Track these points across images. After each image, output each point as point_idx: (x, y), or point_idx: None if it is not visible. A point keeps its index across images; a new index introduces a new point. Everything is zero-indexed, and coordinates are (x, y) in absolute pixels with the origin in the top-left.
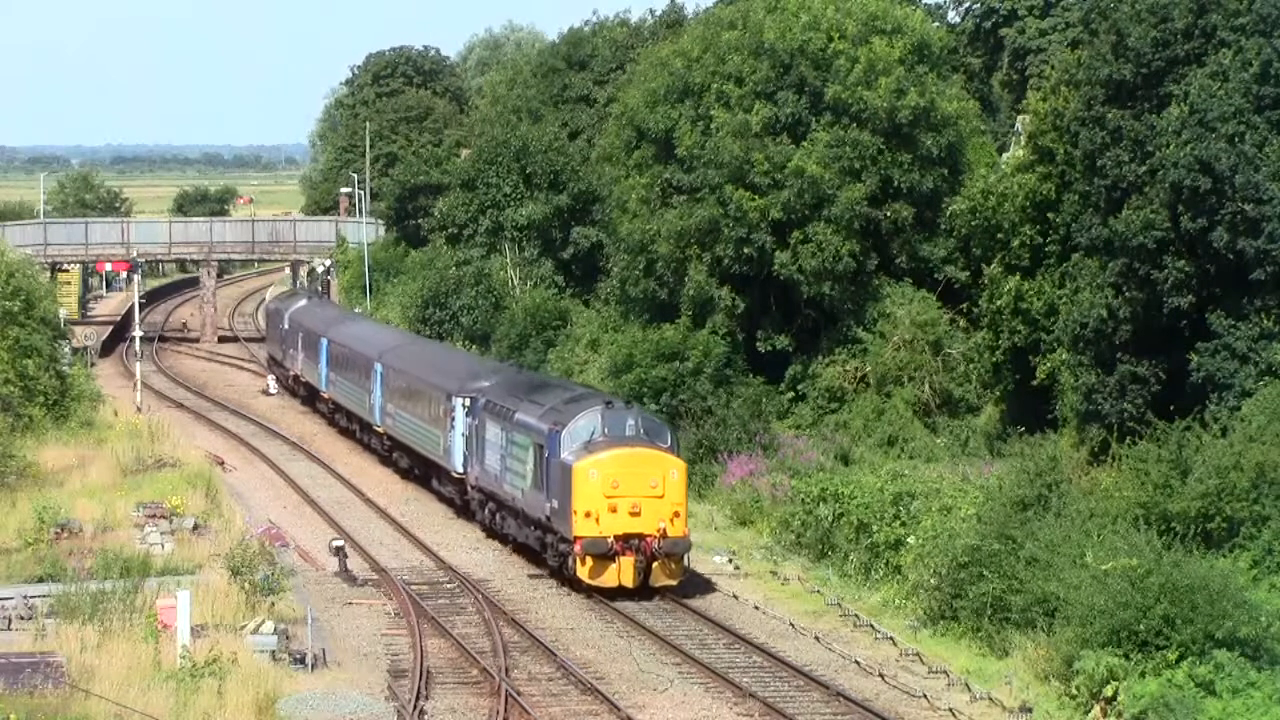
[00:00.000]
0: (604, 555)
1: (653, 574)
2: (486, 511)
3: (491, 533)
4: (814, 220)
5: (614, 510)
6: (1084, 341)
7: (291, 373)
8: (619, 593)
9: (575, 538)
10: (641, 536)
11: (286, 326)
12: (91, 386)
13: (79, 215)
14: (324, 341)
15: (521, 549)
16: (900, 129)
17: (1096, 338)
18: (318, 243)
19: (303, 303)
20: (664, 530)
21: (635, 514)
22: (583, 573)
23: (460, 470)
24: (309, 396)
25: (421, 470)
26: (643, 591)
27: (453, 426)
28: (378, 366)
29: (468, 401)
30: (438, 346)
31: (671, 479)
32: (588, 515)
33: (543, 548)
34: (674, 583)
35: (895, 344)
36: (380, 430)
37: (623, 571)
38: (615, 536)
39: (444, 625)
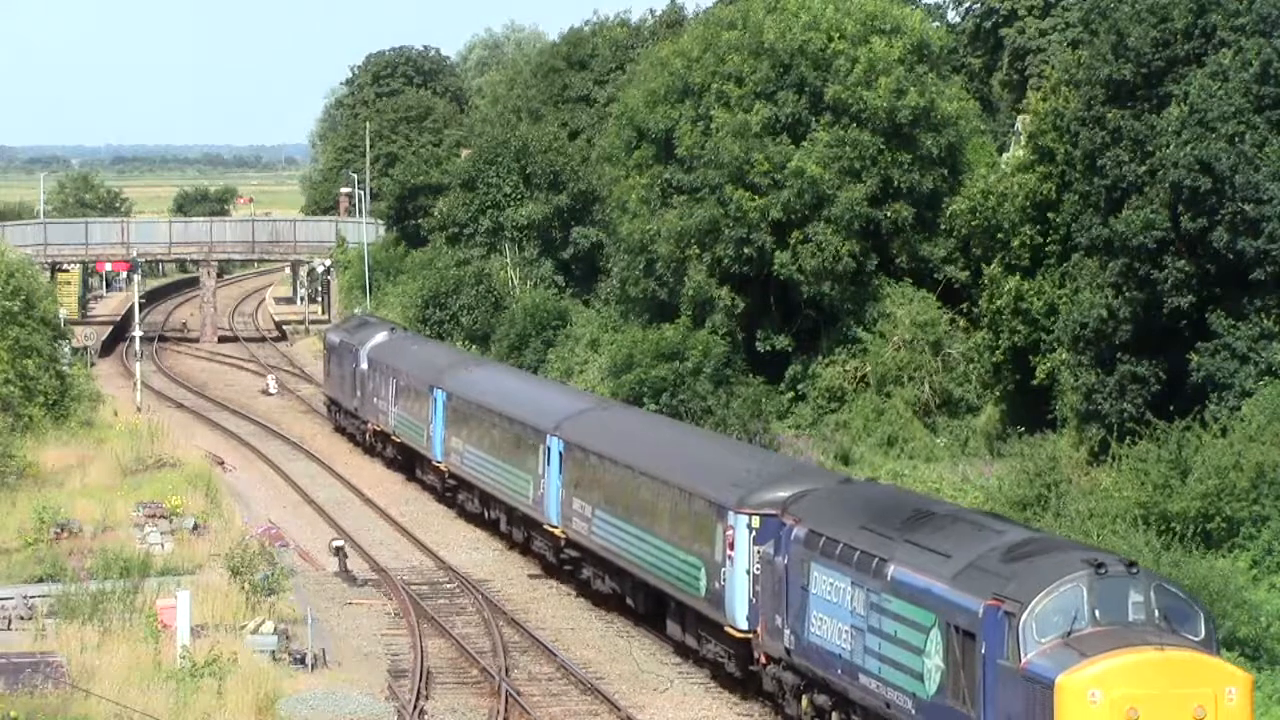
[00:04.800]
0: None
1: None
2: (807, 703)
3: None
4: (814, 220)
5: None
6: (1084, 341)
7: (371, 426)
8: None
9: None
10: None
11: (364, 367)
12: (91, 386)
13: (79, 215)
14: (439, 395)
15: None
16: (900, 129)
17: (1096, 338)
18: (318, 243)
19: (383, 335)
20: None
21: None
22: None
23: (744, 627)
24: (404, 458)
25: (651, 607)
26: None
27: (731, 560)
28: (553, 445)
29: (756, 522)
30: (650, 418)
31: (1227, 705)
32: None
33: None
34: None
35: (895, 344)
36: (561, 533)
37: None
38: None
39: (444, 625)
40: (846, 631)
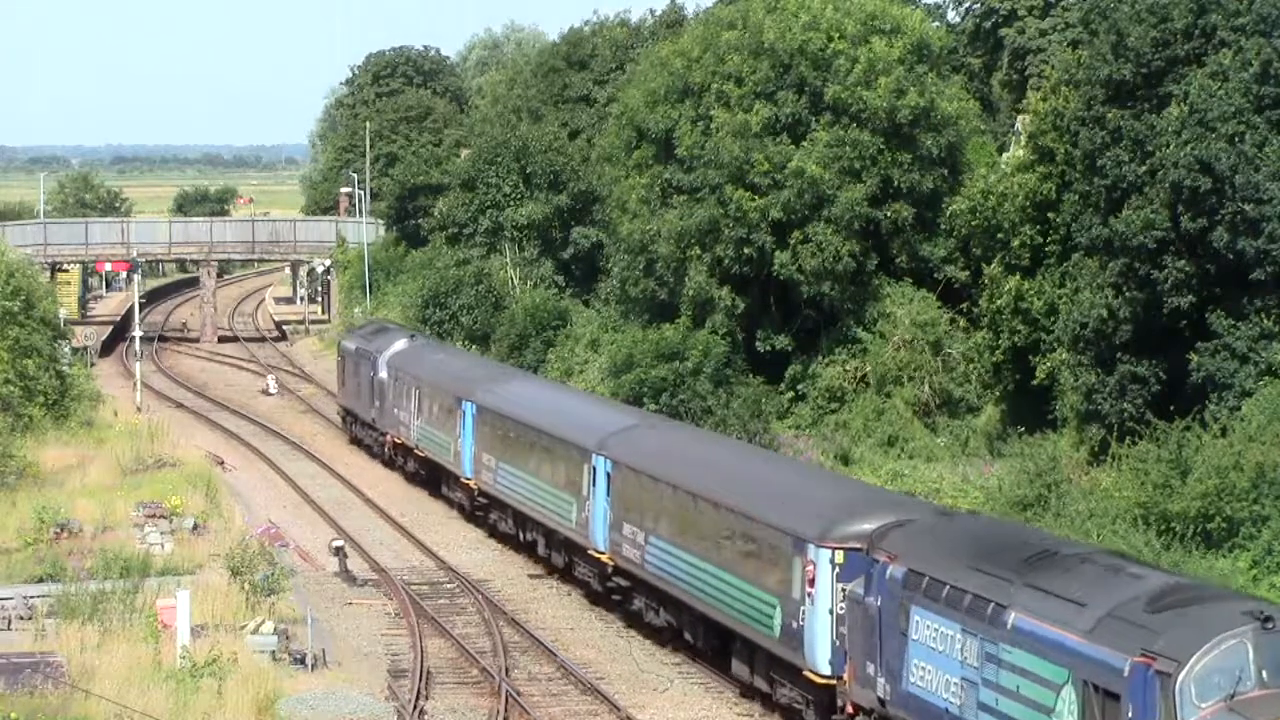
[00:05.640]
0: None
1: None
2: None
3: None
4: (814, 220)
5: None
6: (1084, 341)
7: (391, 438)
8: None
9: None
10: None
11: (382, 376)
12: (91, 386)
13: (79, 215)
14: (468, 408)
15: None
16: (900, 129)
17: (1096, 338)
18: (318, 243)
19: (402, 343)
20: None
21: None
22: None
23: (826, 672)
24: (427, 473)
25: (712, 642)
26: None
27: (811, 599)
28: (599, 464)
29: (840, 557)
30: (706, 437)
31: None
32: None
33: None
34: None
35: (895, 344)
36: (609, 560)
37: None
38: None
39: (444, 625)
40: (955, 684)
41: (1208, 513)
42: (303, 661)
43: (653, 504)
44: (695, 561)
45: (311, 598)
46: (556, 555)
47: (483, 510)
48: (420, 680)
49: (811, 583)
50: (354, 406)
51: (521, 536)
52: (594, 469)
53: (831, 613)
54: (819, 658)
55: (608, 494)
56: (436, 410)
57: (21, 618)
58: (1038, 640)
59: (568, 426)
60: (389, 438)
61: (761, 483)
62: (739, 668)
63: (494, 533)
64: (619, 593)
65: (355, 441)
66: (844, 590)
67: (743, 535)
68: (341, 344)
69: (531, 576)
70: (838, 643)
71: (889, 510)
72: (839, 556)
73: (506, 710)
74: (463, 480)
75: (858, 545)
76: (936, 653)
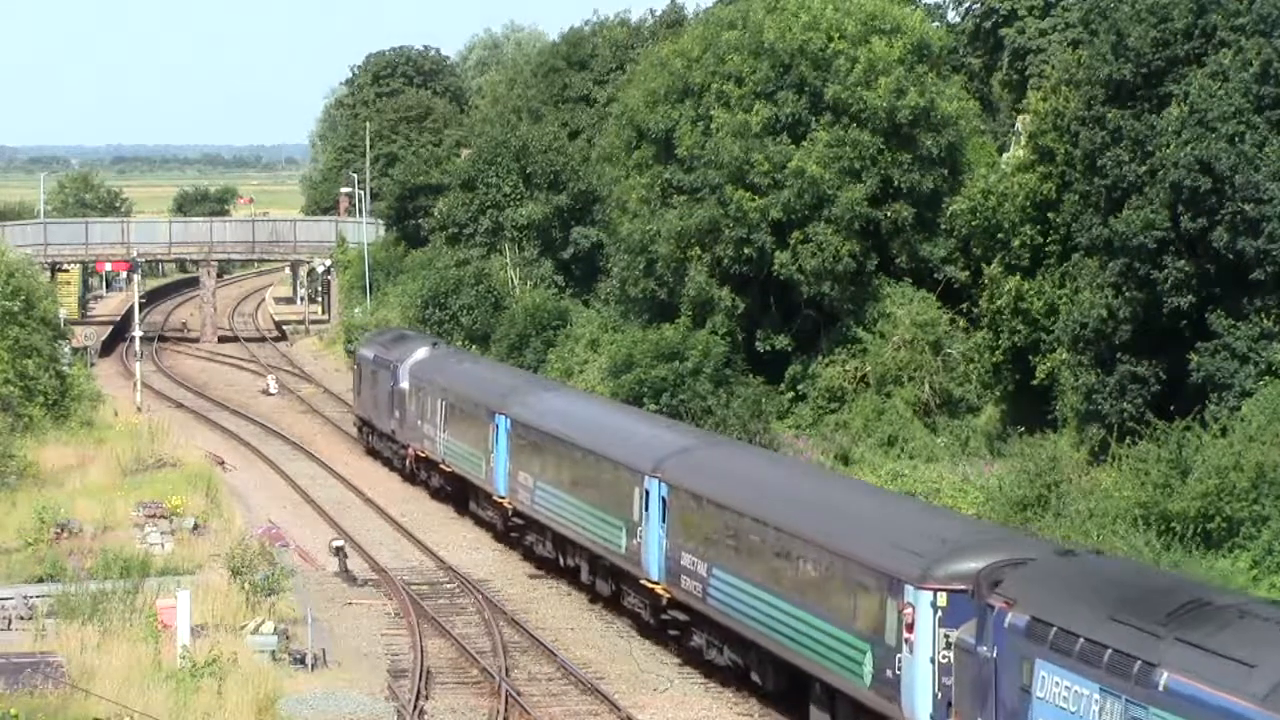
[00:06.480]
0: None
1: None
2: None
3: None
4: (814, 220)
5: None
6: (1084, 341)
7: (413, 451)
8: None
9: None
10: None
11: (403, 385)
12: (91, 386)
13: (79, 215)
14: (502, 422)
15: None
16: (900, 129)
17: (1096, 338)
18: (318, 243)
19: (424, 351)
20: None
21: None
22: None
23: None
24: (453, 489)
25: (785, 684)
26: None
27: (909, 645)
28: (653, 488)
29: (943, 600)
30: (773, 459)
31: None
32: None
33: None
34: None
35: (895, 344)
36: (664, 592)
37: None
38: None
39: (444, 625)
40: None
41: (1208, 513)
42: (303, 661)
43: (717, 533)
44: (768, 598)
45: (311, 598)
46: (602, 583)
47: (518, 531)
48: (420, 680)
49: (910, 628)
50: (371, 417)
51: (562, 561)
52: (647, 492)
53: (933, 661)
54: (918, 710)
55: (663, 520)
56: (466, 423)
57: (21, 618)
58: (1199, 705)
59: (617, 445)
60: (411, 450)
61: (846, 512)
62: (818, 715)
63: (529, 555)
64: (675, 626)
65: (372, 453)
66: (949, 637)
67: (826, 571)
68: (358, 352)
69: (531, 576)
70: (939, 694)
71: (996, 547)
72: (941, 599)
73: (506, 710)
74: (495, 498)
75: (962, 587)
76: (1069, 713)
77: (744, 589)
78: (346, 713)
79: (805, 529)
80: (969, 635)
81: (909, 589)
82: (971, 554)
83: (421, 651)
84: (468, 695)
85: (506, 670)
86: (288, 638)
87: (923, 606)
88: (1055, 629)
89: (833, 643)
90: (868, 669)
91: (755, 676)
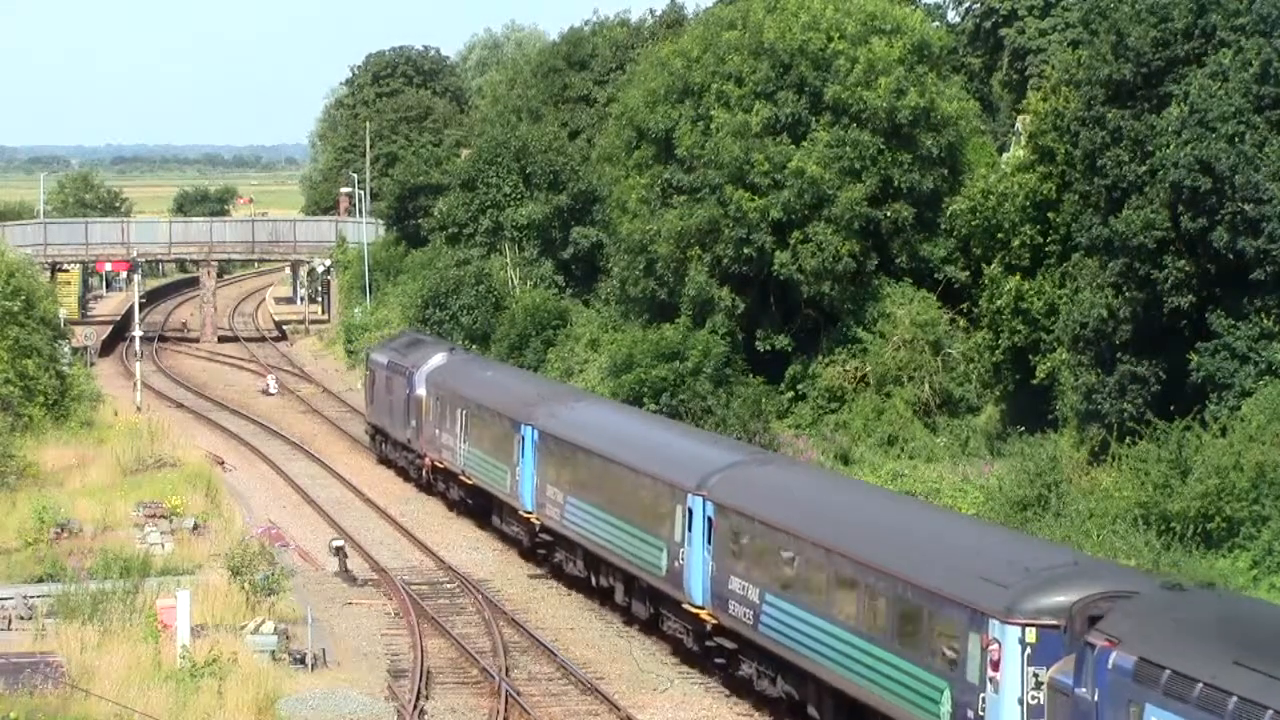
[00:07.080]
0: None
1: None
2: None
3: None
4: (814, 220)
5: None
6: (1084, 341)
7: (430, 461)
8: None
9: None
10: None
11: (419, 393)
12: (91, 386)
13: (79, 215)
14: (529, 433)
15: None
16: (900, 129)
17: (1096, 338)
18: (318, 243)
19: (440, 357)
20: None
21: None
22: None
23: None
24: (475, 501)
25: None
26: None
27: (994, 685)
28: (698, 507)
29: (1032, 636)
30: (828, 478)
31: None
32: None
33: None
34: None
35: (895, 344)
36: (709, 617)
37: None
38: None
39: (444, 625)
40: None
41: (1208, 513)
42: (303, 661)
43: (772, 557)
44: (830, 627)
45: (311, 598)
46: (639, 605)
47: (545, 548)
48: (420, 680)
49: (995, 665)
50: (385, 425)
51: (594, 581)
52: (690, 511)
53: (1021, 703)
54: None
55: (708, 541)
56: (488, 433)
57: (21, 618)
58: None
59: (657, 461)
60: (427, 460)
61: (919, 537)
62: None
63: (557, 573)
64: (722, 654)
65: (385, 461)
66: (1036, 675)
67: (896, 602)
68: (371, 357)
69: (531, 576)
70: None
71: (1091, 579)
72: (1030, 635)
73: (506, 710)
74: (522, 513)
75: (1054, 622)
76: None
77: (802, 617)
78: (346, 713)
79: (874, 555)
80: (1065, 675)
81: (994, 623)
82: (1062, 586)
83: (421, 651)
84: (467, 695)
85: (506, 670)
86: (288, 638)
87: (1010, 643)
88: (1169, 672)
89: (905, 679)
90: (945, 709)
91: (812, 710)
